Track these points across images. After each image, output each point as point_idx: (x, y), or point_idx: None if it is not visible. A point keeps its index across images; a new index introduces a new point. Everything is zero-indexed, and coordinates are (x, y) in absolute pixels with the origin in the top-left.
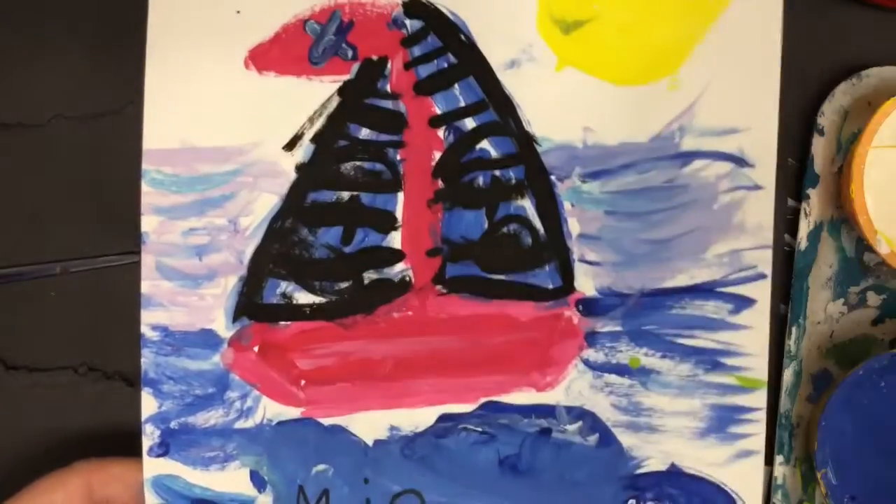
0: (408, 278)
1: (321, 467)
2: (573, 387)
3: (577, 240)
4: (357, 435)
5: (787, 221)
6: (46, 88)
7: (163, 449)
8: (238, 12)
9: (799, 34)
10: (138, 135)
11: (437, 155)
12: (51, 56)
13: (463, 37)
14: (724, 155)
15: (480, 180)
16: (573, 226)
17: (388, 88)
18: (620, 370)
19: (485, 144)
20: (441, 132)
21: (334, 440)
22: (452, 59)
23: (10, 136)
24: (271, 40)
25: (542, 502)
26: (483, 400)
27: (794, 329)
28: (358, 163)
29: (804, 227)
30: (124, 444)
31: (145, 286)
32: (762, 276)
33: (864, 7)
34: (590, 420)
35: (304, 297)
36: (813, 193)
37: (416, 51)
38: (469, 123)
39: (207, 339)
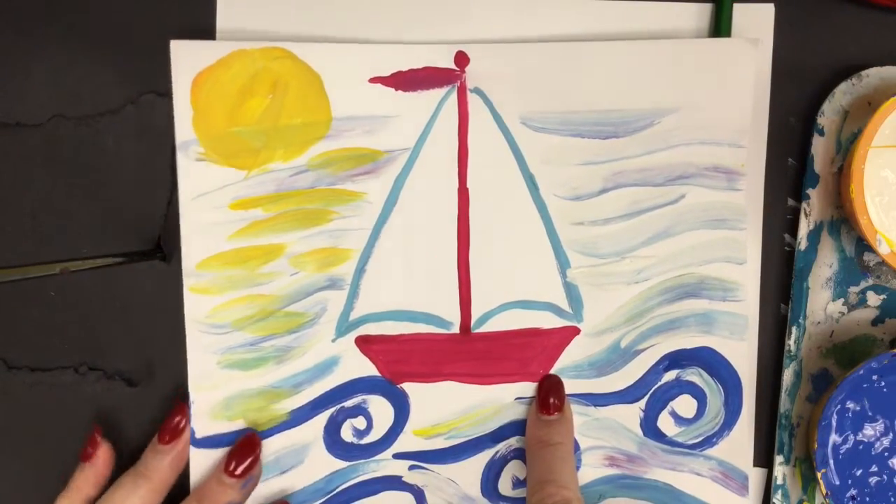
0: None
1: None
2: None
3: None
4: None
5: (787, 221)
6: (46, 88)
7: None
8: None
9: (799, 34)
10: (138, 135)
11: None
12: (51, 56)
13: None
14: None
15: None
16: None
17: None
18: None
19: None
20: None
21: None
22: None
23: (10, 136)
24: None
25: None
26: None
27: (794, 329)
28: None
29: (804, 227)
30: (125, 444)
31: None
32: None
33: (864, 7)
34: None
35: None
36: (813, 193)
37: None
38: None
39: None
